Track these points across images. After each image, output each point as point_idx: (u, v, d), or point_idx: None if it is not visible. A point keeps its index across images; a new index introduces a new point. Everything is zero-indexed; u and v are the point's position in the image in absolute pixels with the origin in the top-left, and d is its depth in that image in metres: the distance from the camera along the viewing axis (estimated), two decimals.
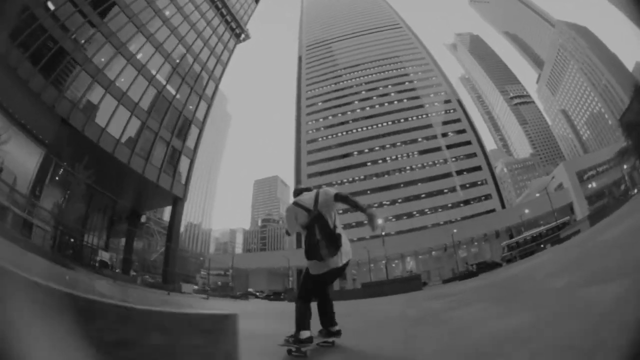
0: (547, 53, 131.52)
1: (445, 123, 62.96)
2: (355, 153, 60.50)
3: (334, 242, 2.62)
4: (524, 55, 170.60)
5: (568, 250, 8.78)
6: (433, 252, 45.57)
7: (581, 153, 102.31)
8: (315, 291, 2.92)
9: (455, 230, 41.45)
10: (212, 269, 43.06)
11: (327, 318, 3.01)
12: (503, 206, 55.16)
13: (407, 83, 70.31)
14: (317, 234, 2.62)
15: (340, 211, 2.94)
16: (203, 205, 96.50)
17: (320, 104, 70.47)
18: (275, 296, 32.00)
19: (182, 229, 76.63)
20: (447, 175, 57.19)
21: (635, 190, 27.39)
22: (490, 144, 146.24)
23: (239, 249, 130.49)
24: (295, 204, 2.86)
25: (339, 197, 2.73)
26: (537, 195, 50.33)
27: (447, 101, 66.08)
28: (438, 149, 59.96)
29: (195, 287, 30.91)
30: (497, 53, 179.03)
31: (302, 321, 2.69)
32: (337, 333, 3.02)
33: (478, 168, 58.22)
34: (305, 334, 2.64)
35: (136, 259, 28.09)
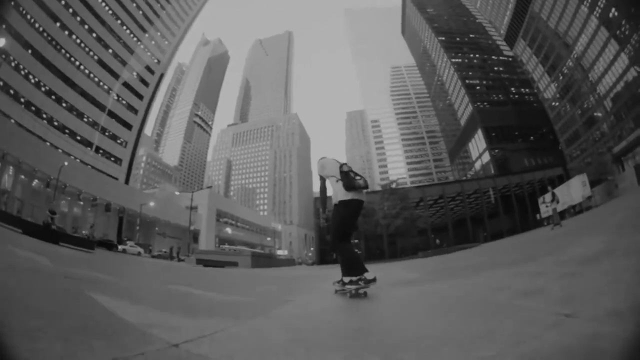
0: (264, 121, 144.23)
1: (144, 67, 56.71)
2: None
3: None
4: (239, 104, 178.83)
5: None
6: (35, 181, 31.79)
7: (223, 199, 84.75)
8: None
9: (66, 163, 30.93)
10: None
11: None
12: (127, 182, 50.17)
13: (146, 23, 58.36)
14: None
15: None
16: None
17: None
18: None
19: None
20: (102, 107, 46.60)
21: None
22: (149, 127, 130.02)
23: None
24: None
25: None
26: (177, 193, 53.80)
27: (162, 51, 61.81)
28: (115, 74, 49.59)
29: None
30: (224, 81, 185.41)
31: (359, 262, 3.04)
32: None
33: (129, 126, 51.24)
34: (371, 275, 2.87)
35: None
